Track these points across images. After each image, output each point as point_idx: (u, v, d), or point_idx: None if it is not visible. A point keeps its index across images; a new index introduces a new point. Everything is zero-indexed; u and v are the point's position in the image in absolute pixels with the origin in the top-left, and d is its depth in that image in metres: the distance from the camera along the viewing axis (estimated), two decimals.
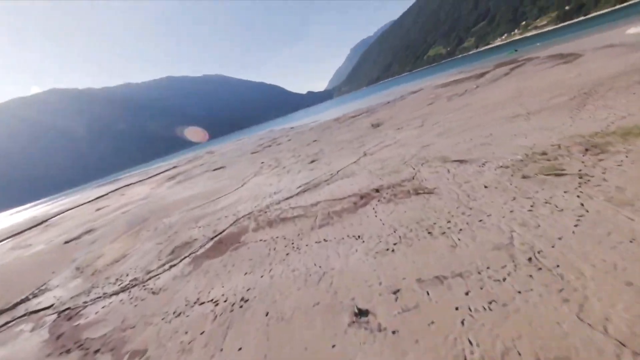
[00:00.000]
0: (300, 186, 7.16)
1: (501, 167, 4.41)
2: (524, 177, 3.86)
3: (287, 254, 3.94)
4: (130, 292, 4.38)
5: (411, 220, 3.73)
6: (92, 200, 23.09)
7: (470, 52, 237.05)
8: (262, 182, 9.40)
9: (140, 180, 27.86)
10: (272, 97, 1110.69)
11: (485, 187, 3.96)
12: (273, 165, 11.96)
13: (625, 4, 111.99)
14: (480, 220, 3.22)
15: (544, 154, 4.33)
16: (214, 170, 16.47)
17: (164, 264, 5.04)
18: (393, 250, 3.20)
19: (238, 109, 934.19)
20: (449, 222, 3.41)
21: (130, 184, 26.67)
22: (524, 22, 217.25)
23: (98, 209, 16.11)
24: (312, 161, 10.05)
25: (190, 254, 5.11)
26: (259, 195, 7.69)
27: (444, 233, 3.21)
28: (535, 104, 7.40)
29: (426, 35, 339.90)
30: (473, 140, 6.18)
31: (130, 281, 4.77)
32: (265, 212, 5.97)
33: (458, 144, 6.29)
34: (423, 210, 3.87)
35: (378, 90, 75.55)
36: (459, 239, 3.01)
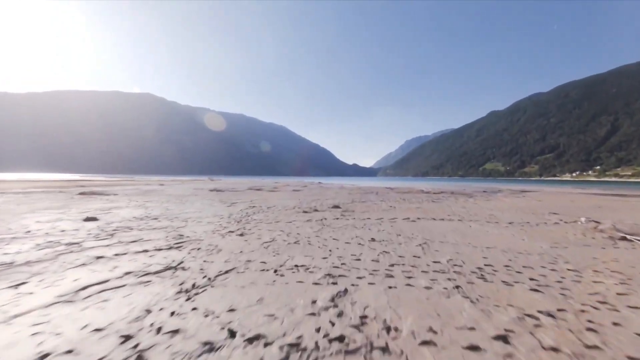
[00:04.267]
0: None
1: None
2: None
3: None
4: None
5: None
6: None
7: (533, 178, 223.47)
8: None
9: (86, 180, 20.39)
10: (320, 159, 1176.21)
11: None
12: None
13: None
14: None
15: None
16: (141, 195, 7.55)
17: None
18: None
19: (287, 159, 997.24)
20: None
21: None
22: (598, 167, 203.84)
23: None
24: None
25: None
26: None
27: None
28: None
29: (486, 149, 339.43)
30: None
31: None
32: None
33: None
34: None
35: (431, 181, 66.59)
36: None
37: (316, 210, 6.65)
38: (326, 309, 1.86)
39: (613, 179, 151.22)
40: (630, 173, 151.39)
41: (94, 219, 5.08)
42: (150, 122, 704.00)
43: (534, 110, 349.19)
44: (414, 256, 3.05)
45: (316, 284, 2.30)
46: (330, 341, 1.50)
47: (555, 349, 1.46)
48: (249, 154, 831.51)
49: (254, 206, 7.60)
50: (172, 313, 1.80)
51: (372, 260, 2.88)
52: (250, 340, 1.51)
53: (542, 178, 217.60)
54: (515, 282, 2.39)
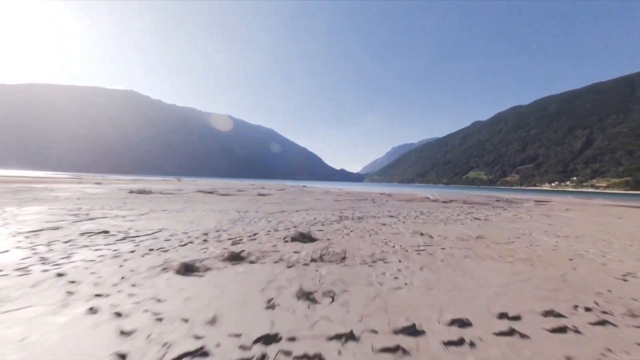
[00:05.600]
0: None
1: None
2: None
3: None
4: None
5: None
6: None
7: (514, 187, 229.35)
8: None
9: None
10: (308, 163, 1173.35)
11: None
12: None
13: None
14: None
15: None
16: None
17: None
18: None
19: (276, 162, 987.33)
20: None
21: None
22: (575, 177, 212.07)
23: None
24: None
25: None
26: None
27: None
28: None
29: (469, 158, 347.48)
30: None
31: None
32: None
33: None
34: None
35: (421, 188, 64.38)
36: None
37: (238, 259, 2.66)
38: None
39: (589, 189, 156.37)
40: (605, 184, 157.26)
41: None
42: (133, 121, 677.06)
43: (515, 122, 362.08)
44: None
45: None
46: None
47: None
48: (238, 156, 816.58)
49: (105, 232, 3.65)
50: None
51: None
52: None
53: (523, 187, 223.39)
54: None
